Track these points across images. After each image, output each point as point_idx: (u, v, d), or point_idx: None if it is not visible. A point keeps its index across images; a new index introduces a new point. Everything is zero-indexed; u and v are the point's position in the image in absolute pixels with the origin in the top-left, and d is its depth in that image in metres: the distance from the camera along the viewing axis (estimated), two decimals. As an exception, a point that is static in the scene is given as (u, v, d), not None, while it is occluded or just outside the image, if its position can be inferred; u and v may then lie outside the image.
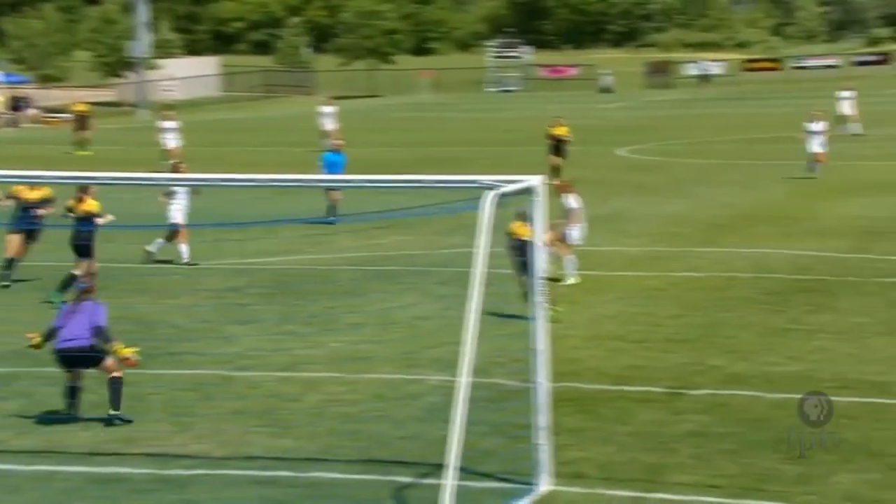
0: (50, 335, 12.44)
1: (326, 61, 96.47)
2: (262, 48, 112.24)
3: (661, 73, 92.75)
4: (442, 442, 11.10)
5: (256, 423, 12.33)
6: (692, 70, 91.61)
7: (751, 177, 33.81)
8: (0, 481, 10.65)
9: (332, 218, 24.55)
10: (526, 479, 10.51)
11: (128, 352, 12.42)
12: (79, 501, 10.21)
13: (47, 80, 71.98)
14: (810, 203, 28.20)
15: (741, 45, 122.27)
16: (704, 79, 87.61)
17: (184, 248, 21.06)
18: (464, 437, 9.56)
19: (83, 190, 17.92)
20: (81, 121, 45.21)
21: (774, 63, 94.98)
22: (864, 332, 15.89)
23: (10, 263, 19.31)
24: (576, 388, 13.50)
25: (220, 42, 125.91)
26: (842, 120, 44.59)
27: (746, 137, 46.11)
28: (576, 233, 19.49)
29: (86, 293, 12.69)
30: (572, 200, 19.67)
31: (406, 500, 10.24)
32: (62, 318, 12.45)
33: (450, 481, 9.22)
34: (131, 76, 73.03)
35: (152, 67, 74.68)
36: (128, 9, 73.81)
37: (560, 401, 12.64)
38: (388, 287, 19.18)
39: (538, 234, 10.70)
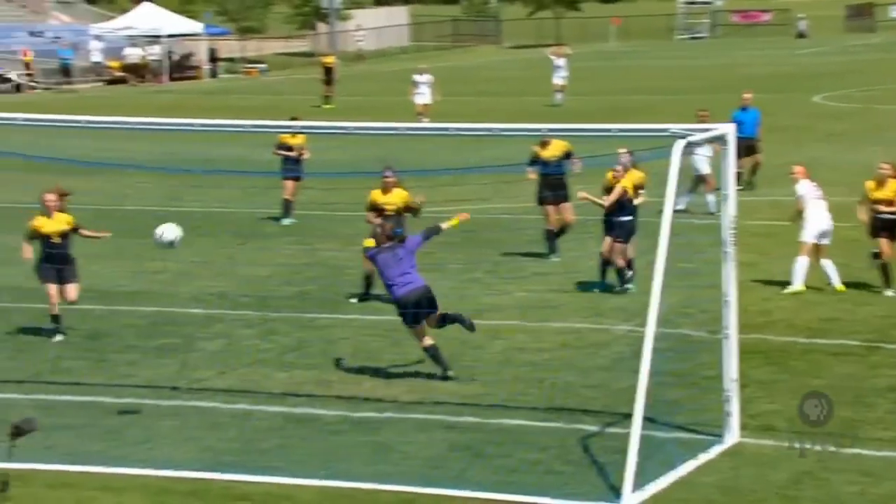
0: (388, 290, 12.13)
1: (513, 10, 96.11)
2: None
3: (862, 16, 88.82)
4: (627, 392, 11.07)
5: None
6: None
7: (956, 123, 32.22)
8: (203, 419, 11.15)
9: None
10: (713, 431, 10.39)
11: (456, 221, 12.48)
12: (276, 439, 10.60)
13: (246, 31, 74.03)
14: None
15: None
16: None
17: (711, 199, 20.42)
18: (650, 388, 9.50)
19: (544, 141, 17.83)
20: (329, 74, 45.26)
21: None
22: None
23: (288, 205, 21.02)
24: (766, 341, 13.23)
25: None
26: None
27: (953, 82, 43.88)
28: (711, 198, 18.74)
29: (398, 239, 12.31)
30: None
31: (592, 448, 10.26)
32: (388, 269, 12.10)
33: (636, 431, 9.20)
34: (324, 27, 74.43)
35: (344, 18, 75.95)
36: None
37: (749, 353, 12.42)
38: (575, 236, 19.11)
39: (730, 184, 10.46)
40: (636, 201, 15.78)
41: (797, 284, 15.33)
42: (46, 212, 13.87)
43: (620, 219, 15.47)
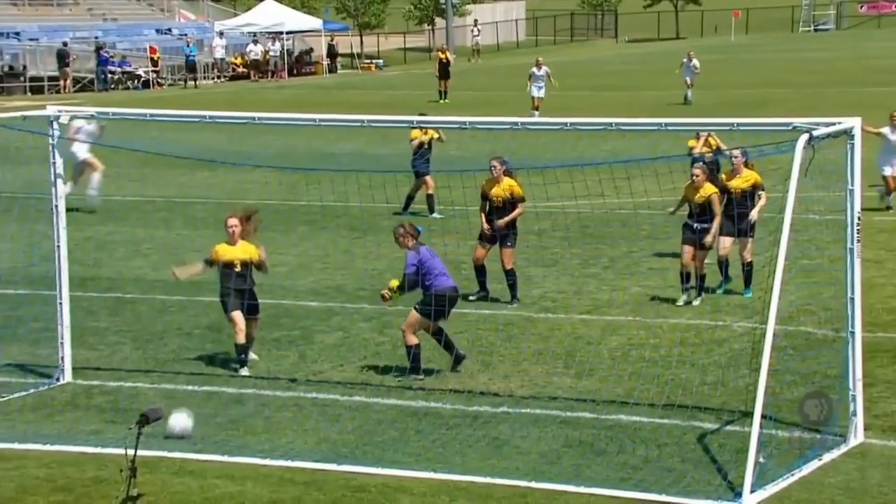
0: (415, 284, 12.24)
1: (631, 3, 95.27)
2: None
3: None
4: (746, 389, 10.90)
5: (559, 365, 12.50)
6: None
7: None
8: (322, 410, 11.30)
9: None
10: (837, 431, 10.16)
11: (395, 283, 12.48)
12: (392, 432, 10.70)
13: (364, 27, 74.79)
14: None
15: None
16: None
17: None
18: (771, 386, 9.34)
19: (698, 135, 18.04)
20: (444, 69, 45.03)
21: None
22: None
23: (431, 199, 21.25)
24: (892, 339, 12.90)
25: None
26: None
27: None
28: None
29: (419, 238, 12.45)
30: None
31: (709, 446, 10.13)
32: (432, 260, 12.30)
33: (756, 429, 9.05)
34: (442, 22, 74.75)
35: (462, 14, 76.13)
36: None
37: (874, 352, 12.13)
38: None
39: (855, 179, 10.20)
40: (760, 204, 15.25)
41: None
42: (228, 238, 12.37)
43: (705, 225, 14.98)
